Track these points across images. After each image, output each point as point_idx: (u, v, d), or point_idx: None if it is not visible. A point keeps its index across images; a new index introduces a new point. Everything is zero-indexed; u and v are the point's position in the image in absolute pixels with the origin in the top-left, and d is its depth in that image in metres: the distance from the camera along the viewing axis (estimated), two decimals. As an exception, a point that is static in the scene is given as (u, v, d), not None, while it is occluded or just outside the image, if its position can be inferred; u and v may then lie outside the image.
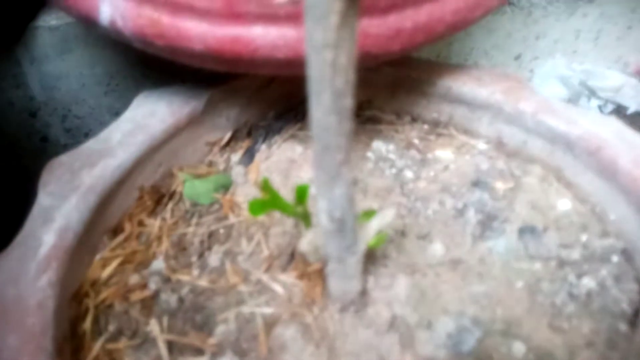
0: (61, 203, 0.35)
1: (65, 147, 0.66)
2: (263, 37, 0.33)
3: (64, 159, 0.38)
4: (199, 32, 0.33)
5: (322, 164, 0.25)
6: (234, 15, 0.32)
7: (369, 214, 0.30)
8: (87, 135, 0.66)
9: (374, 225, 0.30)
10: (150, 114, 0.42)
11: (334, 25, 0.20)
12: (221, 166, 0.46)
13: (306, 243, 0.30)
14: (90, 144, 0.40)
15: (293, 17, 0.32)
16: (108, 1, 0.33)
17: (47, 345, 0.28)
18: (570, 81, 0.71)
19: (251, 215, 0.40)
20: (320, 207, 0.27)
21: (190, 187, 0.43)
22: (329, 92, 0.22)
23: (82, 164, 0.38)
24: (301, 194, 0.28)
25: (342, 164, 0.25)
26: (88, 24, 0.36)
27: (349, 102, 0.23)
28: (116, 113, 0.66)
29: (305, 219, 0.30)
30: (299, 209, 0.29)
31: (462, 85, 0.44)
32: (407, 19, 0.34)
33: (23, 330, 0.28)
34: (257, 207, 0.29)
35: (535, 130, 0.42)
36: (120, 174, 0.38)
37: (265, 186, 0.28)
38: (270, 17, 0.32)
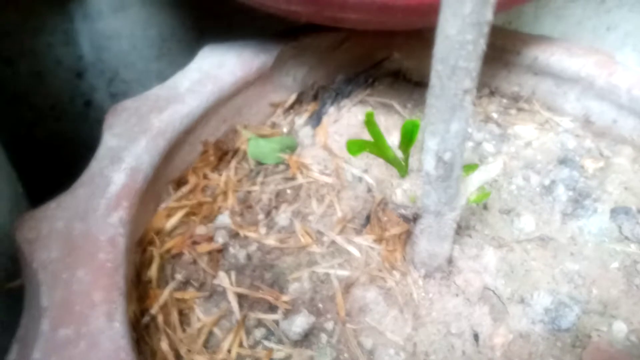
0: (130, 144, 0.33)
1: (110, 114, 0.65)
2: (361, -26, 0.30)
3: (129, 103, 0.36)
4: (292, -34, 0.31)
5: (444, 91, 0.22)
6: (333, -52, 0.30)
7: (471, 167, 0.28)
8: (133, 102, 0.65)
9: (476, 179, 0.27)
10: (219, 65, 0.40)
11: None
12: (285, 128, 0.43)
13: (401, 193, 0.28)
14: (156, 90, 0.38)
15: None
16: None
17: (119, 282, 0.26)
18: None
19: (321, 177, 0.38)
20: (428, 148, 0.25)
21: (255, 146, 0.40)
22: (472, 0, 0.19)
23: (150, 108, 0.36)
24: (410, 132, 0.25)
25: (468, 93, 0.22)
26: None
27: (489, 15, 0.20)
28: (164, 80, 0.64)
29: (402, 165, 0.27)
30: (404, 153, 0.26)
31: (550, 55, 0.41)
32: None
33: (94, 265, 0.26)
34: (355, 146, 0.26)
35: (629, 107, 0.39)
36: (189, 123, 0.36)
37: (369, 121, 0.25)
38: (371, -47, 0.30)
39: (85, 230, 0.28)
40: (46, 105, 0.60)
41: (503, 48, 0.43)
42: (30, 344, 0.25)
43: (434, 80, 0.22)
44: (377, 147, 0.26)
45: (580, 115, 0.42)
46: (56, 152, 0.64)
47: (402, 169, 0.27)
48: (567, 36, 0.64)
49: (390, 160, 0.27)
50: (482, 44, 0.21)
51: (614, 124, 0.41)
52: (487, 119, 0.43)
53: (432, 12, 0.32)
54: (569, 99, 0.42)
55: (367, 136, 0.41)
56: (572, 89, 0.42)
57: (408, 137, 0.25)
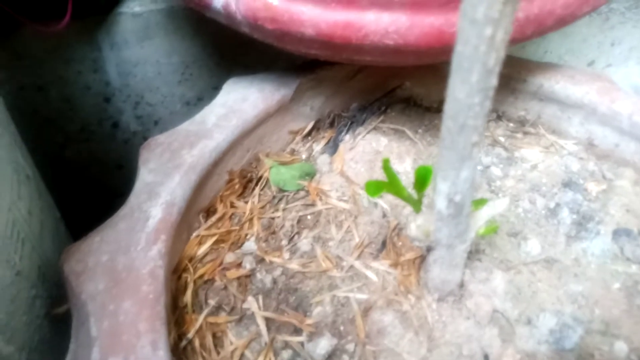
0: (165, 179, 0.36)
1: (135, 134, 0.68)
2: (375, 23, 0.33)
3: (162, 138, 0.39)
4: (311, 16, 0.33)
5: (454, 144, 0.25)
6: (349, 1, 0.32)
7: (481, 202, 0.30)
8: (156, 123, 0.68)
9: (484, 214, 0.30)
10: (243, 99, 0.43)
11: (501, 0, 0.20)
12: (304, 155, 0.46)
13: (415, 228, 0.30)
14: (186, 126, 0.41)
15: (407, 4, 0.32)
16: (224, -17, 0.34)
17: (161, 312, 0.29)
18: (641, 91, 0.69)
19: (339, 203, 0.40)
20: (440, 190, 0.27)
21: (277, 174, 0.43)
22: (478, 70, 0.22)
23: (181, 144, 0.38)
24: (423, 177, 0.28)
25: (475, 146, 0.25)
26: (199, 7, 0.37)
27: (494, 82, 0.23)
28: (187, 102, 0.67)
29: (417, 203, 0.30)
30: (418, 193, 0.28)
31: (554, 83, 0.43)
32: (519, 11, 0.33)
33: (138, 297, 0.29)
34: (373, 188, 0.29)
35: (630, 132, 0.41)
36: (217, 156, 0.39)
37: (386, 167, 0.28)
38: (384, 4, 0.32)
39: (128, 264, 0.31)
40: (75, 128, 0.64)
41: (510, 76, 0.45)
42: (83, 369, 0.28)
43: (445, 134, 0.25)
44: (393, 188, 0.29)
45: (584, 139, 0.44)
46: (85, 171, 0.68)
47: (417, 206, 0.30)
48: (573, 52, 0.66)
49: (405, 199, 0.30)
50: (487, 105, 0.23)
51: (616, 148, 0.43)
52: (495, 142, 0.45)
53: (440, 53, 0.35)
54: (573, 124, 0.44)
55: (380, 163, 0.44)
56: (576, 114, 0.44)
57: (422, 180, 0.28)
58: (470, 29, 0.21)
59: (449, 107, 0.24)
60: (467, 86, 0.23)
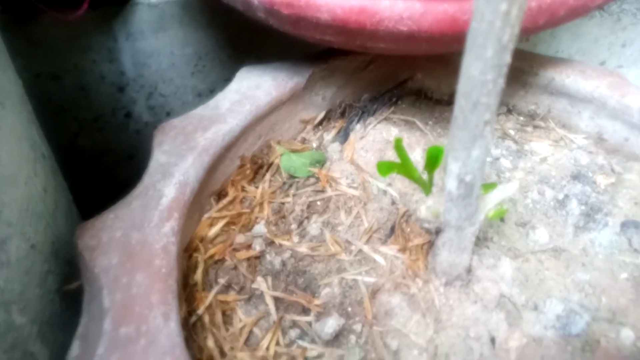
0: (178, 161, 0.36)
1: (147, 125, 0.69)
2: (390, 9, 0.33)
3: (176, 122, 0.40)
4: (327, 1, 0.34)
5: (466, 123, 0.25)
6: (365, -14, 0.33)
7: (490, 186, 0.30)
8: (168, 114, 0.69)
9: (494, 197, 0.30)
10: (256, 87, 0.43)
11: (516, -25, 0.20)
12: (314, 143, 0.46)
13: (425, 209, 0.30)
14: (200, 110, 0.41)
15: (421, -10, 0.33)
16: (241, -32, 0.35)
17: (173, 285, 0.29)
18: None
19: (349, 190, 0.41)
20: (451, 170, 0.28)
21: (287, 160, 0.44)
22: (493, 46, 0.22)
23: (195, 128, 0.39)
24: (435, 157, 0.28)
25: (488, 124, 0.25)
26: (216, -9, 0.37)
27: (508, 59, 0.23)
28: (199, 94, 0.68)
29: (427, 185, 0.30)
30: (428, 174, 0.29)
31: (565, 77, 0.44)
32: (532, 0, 0.34)
33: (151, 271, 0.30)
34: (385, 168, 0.29)
35: (640, 127, 0.42)
36: (229, 140, 0.39)
37: (398, 146, 0.28)
38: (399, -10, 0.33)
39: (141, 239, 0.31)
40: (90, 117, 0.65)
41: (521, 69, 0.45)
42: (94, 340, 0.28)
43: (457, 112, 0.25)
44: (405, 168, 0.29)
45: (593, 133, 0.44)
46: (97, 160, 0.69)
47: (427, 188, 0.30)
48: (584, 52, 0.66)
49: (416, 180, 0.30)
50: (500, 83, 0.24)
51: (625, 142, 0.43)
52: (505, 135, 0.46)
53: (453, 41, 0.36)
54: (583, 118, 0.45)
55: (390, 152, 0.45)
56: (586, 109, 0.44)
57: (432, 161, 0.28)
58: (486, 5, 0.21)
59: (462, 85, 0.24)
60: (481, 63, 0.23)
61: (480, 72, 0.23)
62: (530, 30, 0.36)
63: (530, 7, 0.34)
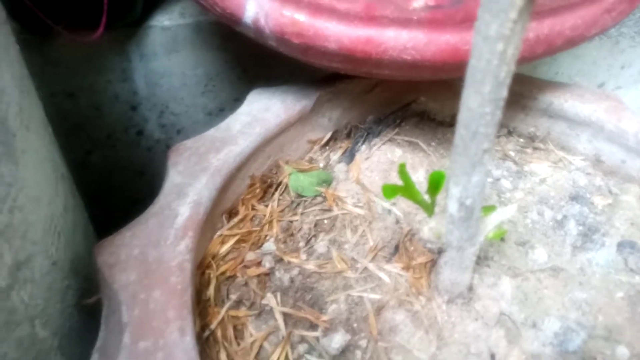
0: (192, 181, 0.38)
1: (158, 142, 0.71)
2: (394, 39, 0.35)
3: (189, 143, 0.42)
4: (335, 32, 0.36)
5: (466, 150, 0.27)
6: (371, 18, 0.35)
7: (490, 208, 0.32)
8: (179, 132, 0.71)
9: (493, 219, 0.32)
10: (265, 109, 0.45)
11: (512, 19, 0.22)
12: (321, 163, 0.48)
13: (428, 230, 0.32)
14: (212, 132, 0.43)
15: (425, 22, 0.35)
16: (254, 1, 0.36)
17: (188, 301, 0.31)
18: (651, 113, 0.71)
19: (355, 209, 0.42)
20: (452, 194, 0.29)
21: (295, 180, 0.45)
22: (490, 82, 0.24)
23: (208, 149, 0.41)
24: (437, 182, 0.30)
25: (486, 152, 0.27)
26: (230, 21, 0.39)
27: (505, 93, 0.25)
28: (209, 113, 0.70)
29: (430, 207, 0.32)
30: (431, 197, 0.30)
31: (564, 101, 0.45)
32: (530, 31, 0.36)
33: (167, 287, 0.31)
34: (389, 191, 0.31)
35: (636, 150, 0.43)
36: (240, 161, 0.41)
37: (402, 171, 0.30)
38: (404, 22, 0.35)
39: (158, 257, 0.33)
40: (103, 135, 0.67)
41: (520, 93, 0.47)
42: (113, 353, 0.30)
43: (458, 141, 0.27)
44: (408, 191, 0.31)
45: (591, 155, 0.46)
46: (109, 177, 0.71)
47: (429, 210, 0.32)
48: (584, 74, 0.68)
49: (419, 203, 0.32)
50: (498, 115, 0.25)
51: (622, 164, 0.45)
52: (505, 157, 0.47)
53: (455, 69, 0.37)
54: (581, 140, 0.46)
55: (394, 173, 0.46)
56: (584, 132, 0.46)
57: (435, 185, 0.30)
58: (484, 44, 0.23)
59: (462, 116, 0.26)
60: (479, 97, 0.25)
61: (478, 105, 0.25)
62: (529, 59, 0.37)
63: (528, 38, 0.36)
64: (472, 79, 0.25)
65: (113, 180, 0.71)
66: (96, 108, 0.64)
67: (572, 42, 0.38)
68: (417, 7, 0.34)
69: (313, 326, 0.35)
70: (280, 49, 0.40)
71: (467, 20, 0.34)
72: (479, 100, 0.25)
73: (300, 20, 0.36)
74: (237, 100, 0.68)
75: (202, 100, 0.67)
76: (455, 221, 0.30)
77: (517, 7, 0.21)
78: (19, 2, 0.51)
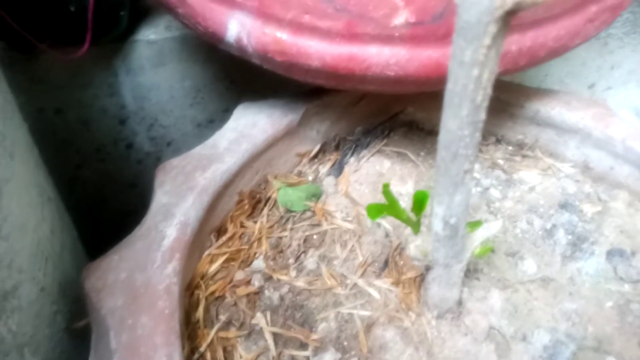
0: (179, 201, 0.38)
1: (148, 155, 0.71)
2: (377, 56, 0.35)
3: (176, 161, 0.42)
4: (317, 49, 0.36)
5: (447, 171, 0.27)
6: (353, 36, 0.35)
7: (476, 224, 0.32)
8: (169, 144, 0.71)
9: (479, 235, 0.32)
10: (252, 125, 0.45)
11: (486, 45, 0.22)
12: (310, 176, 0.48)
13: (414, 248, 0.32)
14: (199, 150, 0.43)
15: (406, 38, 0.35)
16: (236, 20, 0.36)
17: (176, 326, 0.31)
18: (641, 112, 0.71)
19: (344, 223, 0.42)
20: (436, 213, 0.29)
21: (284, 195, 0.45)
22: (468, 106, 0.24)
23: (195, 167, 0.41)
24: (421, 201, 0.30)
25: (467, 172, 0.27)
26: (213, 39, 0.39)
27: (483, 116, 0.25)
28: (198, 124, 0.70)
29: (416, 225, 0.32)
30: (415, 215, 0.30)
31: (551, 109, 0.45)
32: (512, 44, 0.36)
33: (155, 312, 0.31)
34: (374, 211, 0.31)
35: (624, 156, 0.43)
36: (227, 178, 0.41)
37: (386, 192, 0.30)
38: (385, 38, 0.35)
39: (145, 281, 0.33)
40: (92, 149, 0.67)
41: (508, 102, 0.47)
42: (102, 379, 0.30)
43: (440, 162, 0.27)
44: (393, 210, 0.31)
45: (580, 162, 0.46)
46: (100, 190, 0.70)
47: (415, 228, 0.32)
48: (574, 75, 0.68)
49: (405, 221, 0.32)
50: (477, 137, 0.25)
51: (610, 170, 0.45)
52: (494, 165, 0.47)
53: (439, 83, 0.37)
54: (569, 147, 0.46)
55: (384, 184, 0.46)
56: (572, 139, 0.46)
57: (419, 205, 0.30)
58: (459, 70, 0.23)
59: (442, 138, 0.26)
60: (457, 120, 0.25)
61: (457, 127, 0.25)
62: (512, 71, 0.37)
63: (510, 50, 0.36)
64: (450, 103, 0.25)
65: (104, 193, 0.71)
66: (84, 123, 0.64)
67: (555, 52, 0.38)
68: (397, 24, 0.34)
69: (303, 345, 0.35)
70: (264, 66, 0.40)
71: (448, 36, 0.34)
72: (458, 123, 0.25)
73: (282, 38, 0.36)
74: (226, 111, 0.68)
75: (190, 112, 0.67)
76: (440, 239, 0.30)
77: (490, 34, 0.21)
78: (2, 21, 0.51)
